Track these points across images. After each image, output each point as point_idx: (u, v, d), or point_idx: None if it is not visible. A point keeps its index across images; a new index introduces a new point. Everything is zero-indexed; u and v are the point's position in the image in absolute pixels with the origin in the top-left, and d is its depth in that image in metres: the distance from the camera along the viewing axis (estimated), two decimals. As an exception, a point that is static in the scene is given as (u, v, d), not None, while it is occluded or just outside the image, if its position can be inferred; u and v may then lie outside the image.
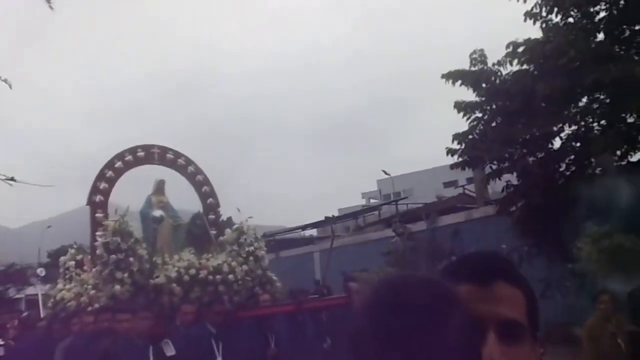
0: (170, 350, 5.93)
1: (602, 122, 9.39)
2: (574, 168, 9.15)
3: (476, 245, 13.34)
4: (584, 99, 9.33)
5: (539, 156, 9.45)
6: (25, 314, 12.34)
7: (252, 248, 8.31)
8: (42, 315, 8.97)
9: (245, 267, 8.09)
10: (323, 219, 22.24)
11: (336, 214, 32.61)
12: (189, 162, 9.48)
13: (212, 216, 9.44)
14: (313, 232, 27.93)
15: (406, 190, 44.63)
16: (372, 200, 46.34)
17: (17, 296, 37.97)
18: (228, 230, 8.63)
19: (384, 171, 37.10)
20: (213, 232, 9.11)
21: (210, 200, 9.50)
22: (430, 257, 13.29)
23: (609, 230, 7.95)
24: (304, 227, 25.60)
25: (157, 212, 7.88)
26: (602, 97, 9.19)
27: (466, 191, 20.72)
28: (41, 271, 11.16)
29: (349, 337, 0.89)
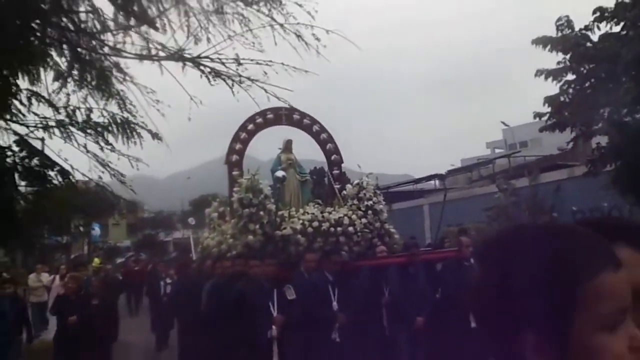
0: (291, 295, 6.77)
1: None
2: None
3: (577, 203, 12.91)
4: None
5: (636, 116, 8.83)
6: (174, 255, 14.40)
7: (371, 202, 8.87)
8: (194, 258, 10.42)
9: (364, 220, 8.69)
10: (445, 171, 22.29)
11: (459, 164, 32.37)
12: (314, 121, 10.14)
13: (336, 171, 10.10)
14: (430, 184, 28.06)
15: (534, 139, 41.22)
16: (496, 150, 44.13)
17: (166, 239, 43.21)
18: (349, 186, 9.24)
19: (503, 122, 35.39)
20: (337, 186, 9.79)
21: (334, 156, 10.14)
22: (532, 213, 13.20)
23: None
24: (416, 181, 25.93)
25: (280, 173, 8.67)
26: None
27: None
28: (192, 220, 12.78)
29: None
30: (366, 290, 7.54)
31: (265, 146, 10.70)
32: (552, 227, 0.85)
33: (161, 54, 5.78)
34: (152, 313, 12.48)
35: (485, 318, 0.83)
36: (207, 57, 5.43)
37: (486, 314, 0.82)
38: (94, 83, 5.39)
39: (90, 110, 5.37)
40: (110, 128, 5.42)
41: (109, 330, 8.77)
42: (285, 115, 9.95)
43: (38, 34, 5.13)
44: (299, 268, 7.55)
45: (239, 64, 5.63)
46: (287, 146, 9.73)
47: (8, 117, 5.27)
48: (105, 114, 5.47)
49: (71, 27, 5.33)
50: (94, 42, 5.42)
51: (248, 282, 7.07)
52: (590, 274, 0.76)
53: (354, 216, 8.67)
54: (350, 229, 8.51)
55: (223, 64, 5.55)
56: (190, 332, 8.40)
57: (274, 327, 6.65)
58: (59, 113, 5.43)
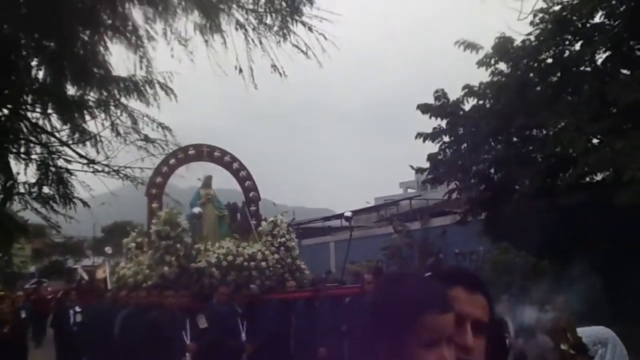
0: (203, 323, 7.17)
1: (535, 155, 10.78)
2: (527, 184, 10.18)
3: (459, 246, 14.58)
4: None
5: (500, 174, 10.71)
6: (82, 281, 13.98)
7: (284, 239, 9.47)
8: (109, 287, 10.48)
9: (276, 255, 9.26)
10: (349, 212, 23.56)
11: (372, 203, 34.29)
12: (234, 159, 10.71)
13: (253, 208, 10.66)
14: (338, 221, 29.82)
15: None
16: (409, 190, 46.46)
17: (75, 266, 41.61)
18: (264, 222, 9.81)
19: (411, 166, 37.73)
20: (253, 222, 10.32)
21: (252, 193, 10.72)
22: (422, 254, 14.78)
23: (506, 247, 10.06)
24: (325, 219, 27.39)
25: (196, 209, 9.16)
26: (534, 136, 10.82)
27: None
28: (108, 249, 12.79)
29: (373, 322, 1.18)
30: (274, 322, 8.05)
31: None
32: (414, 279, 1.25)
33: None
34: (59, 344, 12.03)
35: (370, 330, 1.21)
36: (124, 167, 7.74)
37: (371, 328, 1.20)
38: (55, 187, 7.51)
39: (41, 186, 7.43)
40: (54, 198, 7.46)
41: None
42: (206, 152, 10.45)
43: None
44: (212, 300, 7.97)
45: (142, 170, 7.99)
46: (207, 182, 10.21)
47: None
48: (52, 190, 7.52)
49: (36, 141, 7.39)
50: (53, 155, 7.53)
51: (161, 312, 7.39)
52: (424, 313, 1.15)
53: (267, 252, 9.22)
54: (263, 264, 9.05)
55: (132, 172, 7.90)
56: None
57: (187, 354, 7.02)
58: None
